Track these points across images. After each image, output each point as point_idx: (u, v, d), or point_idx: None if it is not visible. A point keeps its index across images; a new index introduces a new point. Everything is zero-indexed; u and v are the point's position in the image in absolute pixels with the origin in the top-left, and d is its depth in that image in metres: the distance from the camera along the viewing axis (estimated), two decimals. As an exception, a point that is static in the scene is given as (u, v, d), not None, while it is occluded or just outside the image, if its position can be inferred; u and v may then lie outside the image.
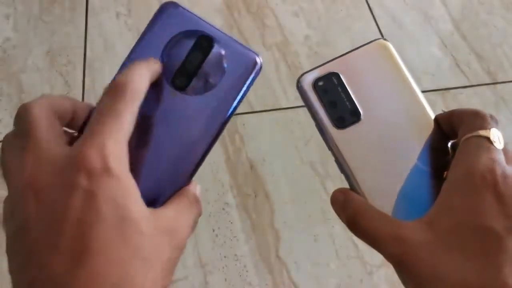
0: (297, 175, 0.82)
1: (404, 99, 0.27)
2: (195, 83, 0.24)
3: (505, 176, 0.21)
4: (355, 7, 1.07)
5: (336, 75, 0.27)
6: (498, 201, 0.21)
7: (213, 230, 0.77)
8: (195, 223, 0.23)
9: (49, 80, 0.92)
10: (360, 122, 0.26)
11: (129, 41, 0.99)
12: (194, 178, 0.24)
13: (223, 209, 0.79)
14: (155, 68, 0.23)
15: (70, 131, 0.23)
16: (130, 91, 0.21)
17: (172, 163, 0.23)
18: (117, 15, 1.03)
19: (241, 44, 0.25)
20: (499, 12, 1.09)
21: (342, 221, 0.25)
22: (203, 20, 0.25)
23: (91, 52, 0.97)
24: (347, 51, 0.27)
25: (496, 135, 0.23)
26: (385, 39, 0.28)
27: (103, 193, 0.18)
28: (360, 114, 0.26)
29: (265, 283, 0.73)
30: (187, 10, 0.25)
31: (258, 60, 0.25)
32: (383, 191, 0.25)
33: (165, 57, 0.24)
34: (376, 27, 1.03)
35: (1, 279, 0.69)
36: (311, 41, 1.00)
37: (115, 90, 0.21)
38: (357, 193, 0.25)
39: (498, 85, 0.97)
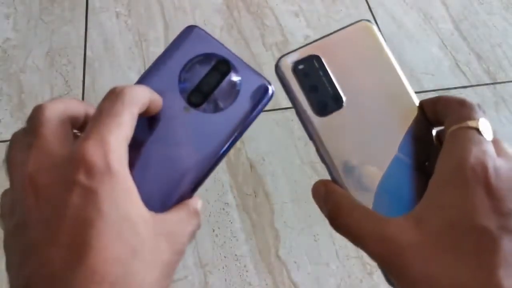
0: (297, 175, 0.82)
1: (388, 84, 0.25)
2: (209, 102, 0.25)
3: (496, 169, 0.20)
4: (355, 7, 1.07)
5: (317, 58, 0.25)
6: (490, 197, 0.20)
7: (213, 230, 0.77)
8: (193, 233, 0.23)
9: (49, 80, 0.92)
10: (343, 109, 0.24)
11: (129, 41, 0.99)
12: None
13: (223, 209, 0.79)
14: (156, 96, 0.24)
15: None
16: (129, 95, 0.21)
17: (176, 174, 0.24)
18: (117, 15, 1.03)
19: (255, 72, 0.26)
20: (499, 12, 1.09)
21: (324, 215, 0.24)
22: (223, 46, 0.26)
23: (91, 52, 0.97)
24: (329, 33, 0.26)
25: (485, 126, 0.22)
26: (368, 20, 0.26)
27: (104, 191, 0.18)
28: (342, 100, 0.25)
29: (265, 283, 0.73)
30: (209, 35, 0.27)
31: (270, 88, 0.26)
32: (366, 182, 0.23)
33: (184, 75, 0.26)
34: (376, 27, 1.03)
35: (1, 279, 0.69)
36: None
37: (114, 94, 0.21)
38: (339, 185, 0.24)
39: (498, 85, 0.97)
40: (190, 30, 0.27)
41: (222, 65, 0.26)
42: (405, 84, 0.25)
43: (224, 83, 0.26)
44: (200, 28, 0.27)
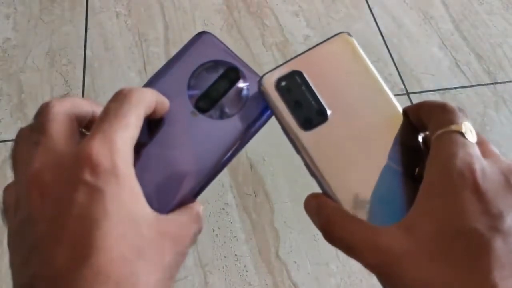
0: (297, 175, 0.82)
1: (371, 94, 0.25)
2: (217, 108, 0.25)
3: (483, 171, 0.20)
4: (355, 7, 1.07)
5: (299, 73, 0.25)
6: (479, 199, 0.20)
7: (213, 230, 0.77)
8: (195, 236, 0.23)
9: (49, 80, 0.92)
10: (328, 122, 0.24)
11: (129, 41, 0.99)
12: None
13: (223, 209, 0.79)
14: (163, 99, 0.24)
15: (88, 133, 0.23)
16: (136, 97, 0.21)
17: (180, 178, 0.24)
18: (117, 15, 1.03)
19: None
20: (499, 12, 1.09)
21: (318, 228, 0.24)
22: (233, 53, 0.27)
23: (91, 52, 0.97)
24: (310, 47, 0.26)
25: (468, 129, 0.22)
26: (348, 33, 0.26)
27: (109, 190, 0.18)
28: (327, 113, 0.25)
29: (265, 283, 0.73)
30: (220, 41, 0.27)
31: None
32: (357, 193, 0.23)
33: (193, 80, 0.26)
34: (376, 27, 1.03)
35: (1, 279, 0.69)
36: (311, 41, 1.00)
37: (121, 95, 0.21)
38: (330, 197, 0.23)
39: (498, 85, 0.97)
40: (201, 35, 0.27)
41: (231, 73, 0.26)
42: (388, 93, 0.26)
43: (232, 91, 0.26)
44: (211, 34, 0.27)
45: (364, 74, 0.26)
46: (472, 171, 0.20)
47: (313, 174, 0.24)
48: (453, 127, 0.22)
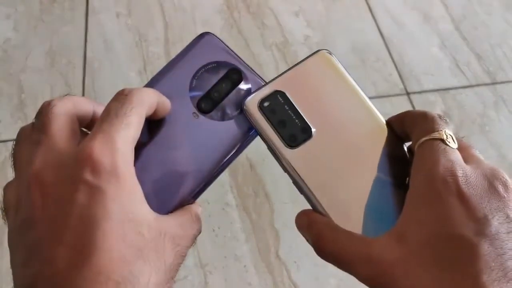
0: (297, 175, 0.82)
1: (354, 109, 0.26)
2: (218, 110, 0.25)
3: (466, 176, 0.21)
4: (355, 7, 1.07)
5: (281, 93, 0.25)
6: (463, 205, 0.20)
7: (213, 230, 0.77)
8: (194, 237, 0.23)
9: (49, 80, 0.92)
10: (313, 139, 0.25)
11: (129, 41, 0.99)
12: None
13: (223, 209, 0.79)
14: (164, 100, 0.24)
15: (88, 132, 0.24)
16: (137, 97, 0.21)
17: (180, 179, 0.24)
18: (117, 15, 1.03)
19: (266, 82, 0.26)
20: (499, 12, 1.09)
21: (310, 245, 0.24)
22: (236, 54, 0.27)
23: (91, 52, 0.97)
24: (290, 67, 0.26)
25: (449, 135, 0.22)
26: (327, 51, 0.27)
27: (109, 190, 0.18)
28: (311, 130, 0.25)
29: (265, 283, 0.73)
30: (222, 42, 0.27)
31: None
32: (347, 207, 0.23)
33: (195, 81, 0.26)
34: (376, 27, 1.03)
35: (1, 279, 0.69)
36: (311, 41, 1.00)
37: (122, 95, 0.21)
38: (321, 213, 0.24)
39: (498, 85, 0.97)
40: (203, 36, 0.27)
41: (233, 74, 0.26)
42: (371, 105, 0.26)
43: (234, 92, 0.26)
44: (213, 35, 0.27)
45: (345, 89, 0.26)
46: (455, 177, 0.20)
47: (301, 191, 0.24)
48: (434, 135, 0.22)
